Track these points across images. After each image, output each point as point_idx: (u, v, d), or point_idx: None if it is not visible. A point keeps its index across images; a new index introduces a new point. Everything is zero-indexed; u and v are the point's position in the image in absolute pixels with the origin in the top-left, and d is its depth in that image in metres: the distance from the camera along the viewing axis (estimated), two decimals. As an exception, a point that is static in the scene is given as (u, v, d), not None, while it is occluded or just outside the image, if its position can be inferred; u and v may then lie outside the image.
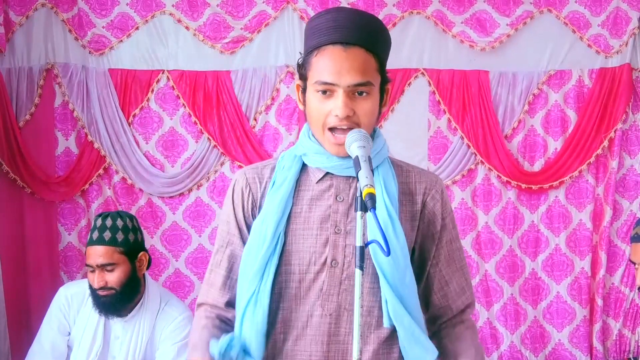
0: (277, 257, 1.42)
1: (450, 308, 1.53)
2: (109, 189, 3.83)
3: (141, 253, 2.43)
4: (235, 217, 1.50)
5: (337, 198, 1.44)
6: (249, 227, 1.48)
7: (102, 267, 2.33)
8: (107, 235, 2.35)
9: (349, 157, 1.38)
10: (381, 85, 1.42)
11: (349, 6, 3.83)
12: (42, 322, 2.51)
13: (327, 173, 1.45)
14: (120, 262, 2.35)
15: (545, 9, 3.96)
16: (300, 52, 1.45)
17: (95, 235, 2.36)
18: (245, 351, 1.39)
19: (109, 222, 2.37)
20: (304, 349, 1.42)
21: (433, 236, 1.50)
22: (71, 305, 2.47)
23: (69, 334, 2.48)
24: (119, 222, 2.39)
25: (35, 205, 3.71)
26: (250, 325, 1.39)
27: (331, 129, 1.39)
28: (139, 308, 2.43)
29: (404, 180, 1.50)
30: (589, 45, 3.97)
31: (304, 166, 1.48)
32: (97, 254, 2.33)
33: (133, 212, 3.84)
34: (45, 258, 3.72)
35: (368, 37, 1.38)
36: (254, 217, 1.48)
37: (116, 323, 2.42)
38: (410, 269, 1.42)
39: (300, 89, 1.45)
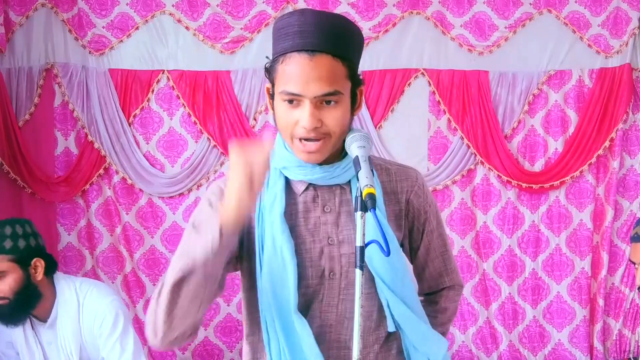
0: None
1: (429, 286, 1.59)
2: (109, 189, 3.83)
3: (35, 259, 2.33)
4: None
5: (325, 209, 1.41)
6: None
7: None
8: None
9: (328, 165, 1.36)
10: (352, 90, 1.36)
11: (349, 6, 3.84)
12: None
13: (310, 184, 1.41)
14: (10, 269, 2.27)
15: (545, 9, 3.96)
16: (267, 57, 1.39)
17: None
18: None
19: None
20: (304, 358, 1.39)
21: (418, 229, 1.51)
22: (4, 329, 2.40)
23: (14, 346, 2.46)
24: (7, 230, 2.31)
25: (35, 205, 3.71)
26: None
27: (301, 140, 1.33)
28: (57, 311, 2.35)
29: (385, 179, 1.48)
30: (589, 45, 3.97)
31: (286, 179, 1.42)
32: None
33: (133, 212, 3.84)
34: (44, 258, 3.72)
35: (335, 42, 1.30)
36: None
37: (44, 329, 2.37)
38: (406, 270, 1.42)
39: (270, 93, 1.40)
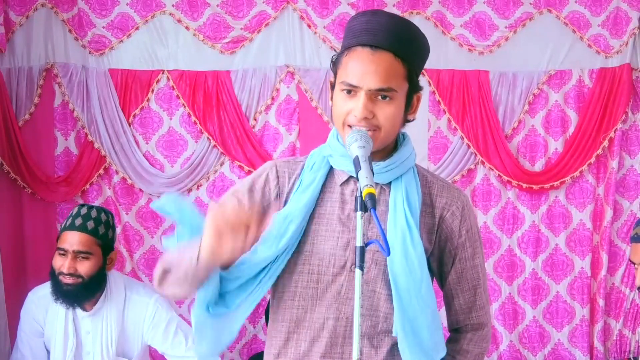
0: (288, 256, 1.43)
1: (456, 320, 1.56)
2: (109, 189, 3.82)
3: (112, 252, 2.46)
4: (252, 189, 1.49)
5: None
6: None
7: (77, 254, 2.35)
8: (91, 224, 2.37)
9: (374, 161, 1.38)
10: (409, 93, 1.42)
11: (349, 6, 3.84)
12: (18, 331, 2.53)
13: (351, 176, 1.45)
14: (95, 253, 2.38)
15: (545, 9, 3.96)
16: (335, 49, 1.48)
17: (78, 221, 2.37)
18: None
19: (93, 213, 2.40)
20: (319, 350, 1.43)
21: (450, 252, 1.50)
22: (39, 307, 2.48)
23: (43, 335, 2.49)
24: (103, 216, 2.42)
25: (35, 205, 3.71)
26: (237, 302, 1.42)
27: (351, 127, 1.38)
28: (104, 300, 2.45)
29: (426, 192, 1.49)
30: (589, 45, 3.97)
31: (331, 167, 1.49)
32: (76, 240, 2.35)
33: (133, 212, 3.84)
34: (44, 258, 3.69)
35: (399, 42, 1.37)
36: (273, 203, 1.48)
37: (84, 318, 2.44)
38: (427, 279, 1.41)
39: (332, 85, 1.46)
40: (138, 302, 2.47)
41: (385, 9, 3.87)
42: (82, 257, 2.36)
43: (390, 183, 1.45)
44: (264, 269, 1.41)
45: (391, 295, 1.41)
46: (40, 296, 2.50)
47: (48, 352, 2.51)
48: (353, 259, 1.41)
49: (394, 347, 1.44)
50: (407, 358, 1.40)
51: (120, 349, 2.46)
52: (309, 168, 1.49)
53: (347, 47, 1.39)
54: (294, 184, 1.49)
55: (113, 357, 2.43)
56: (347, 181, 1.46)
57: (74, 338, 2.43)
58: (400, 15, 3.86)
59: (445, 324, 1.63)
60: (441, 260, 1.51)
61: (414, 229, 1.39)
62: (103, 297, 2.45)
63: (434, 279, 1.56)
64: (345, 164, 1.44)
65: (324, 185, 1.47)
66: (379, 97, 1.36)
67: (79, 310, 2.44)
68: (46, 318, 2.48)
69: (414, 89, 1.43)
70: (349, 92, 1.37)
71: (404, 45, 1.38)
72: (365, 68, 1.35)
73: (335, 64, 1.43)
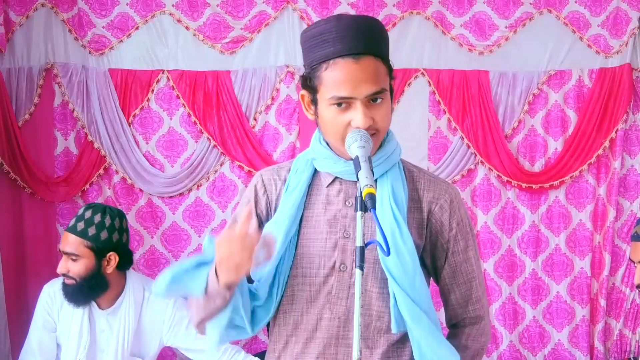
0: (289, 261, 1.44)
1: (454, 315, 1.56)
2: (109, 189, 3.82)
3: (110, 253, 2.42)
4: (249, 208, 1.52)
5: (347, 203, 1.44)
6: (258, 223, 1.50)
7: (67, 255, 2.38)
8: (80, 226, 2.39)
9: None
10: (390, 85, 1.43)
11: (349, 6, 3.84)
12: (31, 322, 2.54)
13: (337, 177, 1.46)
14: (85, 255, 2.38)
15: (545, 9, 3.96)
16: (304, 66, 1.43)
17: (72, 222, 2.42)
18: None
19: (88, 214, 2.41)
20: (313, 351, 1.44)
21: (442, 246, 1.50)
22: (54, 301, 2.50)
23: (55, 330, 2.50)
24: (97, 218, 2.41)
25: (34, 205, 3.71)
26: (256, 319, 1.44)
27: None
28: (122, 300, 2.46)
29: (413, 187, 1.49)
30: (588, 46, 3.97)
31: (316, 170, 1.49)
32: (66, 241, 2.40)
33: (133, 212, 3.84)
34: (44, 258, 3.71)
35: (374, 42, 1.37)
36: (267, 217, 1.50)
37: (100, 316, 2.46)
38: (420, 273, 1.41)
39: (308, 99, 1.44)
40: (157, 303, 2.49)
41: (385, 9, 3.87)
42: (72, 259, 2.38)
43: (376, 180, 1.44)
44: (273, 282, 1.43)
45: (382, 293, 1.42)
46: (57, 290, 2.51)
47: (59, 346, 2.51)
48: (342, 259, 1.42)
49: (389, 349, 1.44)
50: (430, 349, 1.40)
51: (134, 349, 2.47)
52: (294, 172, 1.50)
53: (322, 60, 1.36)
54: (281, 189, 1.50)
55: (127, 356, 2.45)
56: (332, 183, 1.47)
57: (89, 335, 2.45)
58: (400, 15, 3.89)
59: (444, 323, 1.64)
60: (434, 255, 1.51)
61: (402, 224, 1.40)
62: (122, 298, 2.46)
63: (430, 278, 1.57)
64: (329, 165, 1.46)
65: (310, 189, 1.48)
66: (371, 101, 1.36)
67: (95, 308, 2.46)
68: (60, 312, 2.50)
69: (391, 78, 1.45)
70: (340, 104, 1.36)
71: (377, 43, 1.38)
72: (354, 78, 1.34)
73: (310, 79, 1.40)
